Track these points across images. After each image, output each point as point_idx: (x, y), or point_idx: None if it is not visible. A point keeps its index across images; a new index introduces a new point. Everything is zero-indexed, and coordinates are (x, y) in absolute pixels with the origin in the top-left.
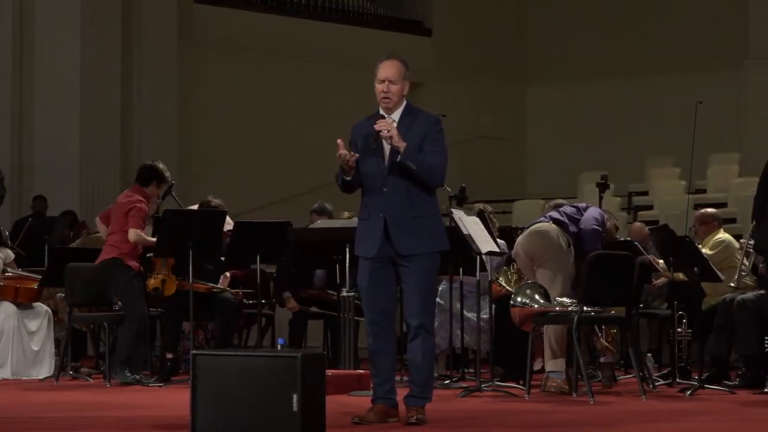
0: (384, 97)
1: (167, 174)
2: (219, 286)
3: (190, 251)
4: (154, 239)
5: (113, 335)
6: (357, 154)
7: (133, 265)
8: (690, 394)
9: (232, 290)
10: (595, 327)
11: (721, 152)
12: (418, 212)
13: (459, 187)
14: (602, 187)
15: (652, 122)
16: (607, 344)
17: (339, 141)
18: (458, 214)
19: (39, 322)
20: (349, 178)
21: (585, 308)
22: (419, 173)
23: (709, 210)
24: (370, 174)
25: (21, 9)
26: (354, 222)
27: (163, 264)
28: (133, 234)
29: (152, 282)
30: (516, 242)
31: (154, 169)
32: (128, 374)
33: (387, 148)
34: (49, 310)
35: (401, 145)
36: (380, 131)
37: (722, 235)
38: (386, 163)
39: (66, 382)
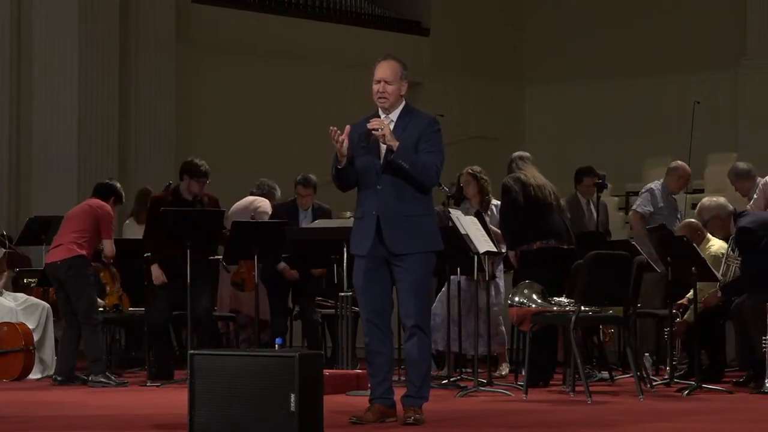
0: (380, 98)
1: (123, 194)
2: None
3: (188, 251)
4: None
5: (109, 335)
6: (345, 141)
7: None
8: (687, 394)
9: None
10: None
11: (718, 152)
12: (411, 211)
13: (457, 187)
14: (600, 187)
15: (649, 122)
16: None
17: (333, 128)
18: (456, 214)
19: (37, 321)
20: (341, 166)
21: (583, 308)
22: (412, 173)
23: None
24: (365, 172)
25: (19, 7)
26: (352, 222)
27: (112, 279)
28: (110, 245)
29: (110, 300)
30: None
31: (114, 187)
32: (113, 379)
33: (383, 147)
34: (49, 308)
35: (394, 144)
36: (373, 130)
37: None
38: (381, 161)
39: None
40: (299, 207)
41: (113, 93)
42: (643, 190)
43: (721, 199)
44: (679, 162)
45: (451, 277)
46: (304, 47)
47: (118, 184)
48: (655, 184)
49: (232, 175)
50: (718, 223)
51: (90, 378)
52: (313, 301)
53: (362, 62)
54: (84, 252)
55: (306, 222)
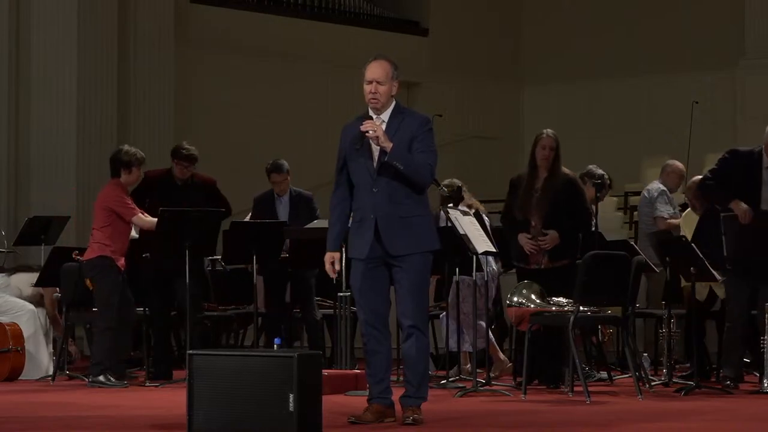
0: (372, 98)
1: (136, 156)
2: None
3: (187, 251)
4: (155, 219)
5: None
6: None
7: (121, 265)
8: (685, 394)
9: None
10: None
11: (717, 152)
12: (407, 212)
13: (456, 188)
14: (599, 187)
15: (648, 122)
16: None
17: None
18: (454, 214)
19: (27, 322)
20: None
21: (581, 308)
22: (407, 173)
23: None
24: (360, 175)
25: (18, 8)
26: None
27: None
28: (138, 220)
29: None
30: None
31: (116, 158)
32: (111, 380)
33: (376, 149)
34: (42, 311)
35: (388, 146)
36: (366, 132)
37: None
38: (375, 164)
39: (62, 382)
40: (276, 195)
41: (112, 93)
42: (653, 194)
43: None
44: (675, 161)
45: (462, 277)
46: (304, 47)
47: (125, 147)
48: (657, 186)
49: (231, 174)
50: None
51: (89, 378)
52: (310, 300)
53: (362, 62)
54: (107, 252)
55: (284, 209)
